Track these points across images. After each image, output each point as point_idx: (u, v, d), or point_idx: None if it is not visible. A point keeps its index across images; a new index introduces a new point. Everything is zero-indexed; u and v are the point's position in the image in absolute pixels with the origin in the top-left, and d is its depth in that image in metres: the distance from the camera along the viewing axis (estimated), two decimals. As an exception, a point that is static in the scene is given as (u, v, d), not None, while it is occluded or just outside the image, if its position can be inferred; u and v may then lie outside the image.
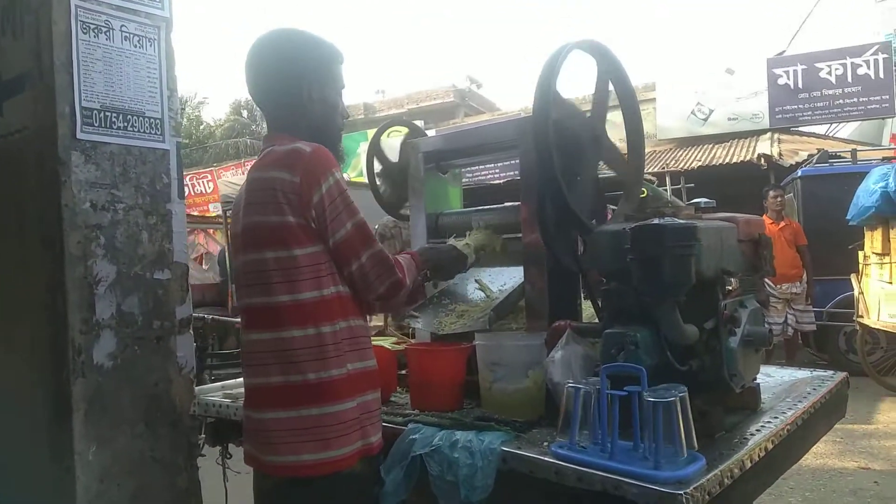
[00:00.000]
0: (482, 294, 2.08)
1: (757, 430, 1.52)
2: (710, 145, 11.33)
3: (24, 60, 1.79)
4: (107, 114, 1.76)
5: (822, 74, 10.84)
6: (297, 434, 1.40)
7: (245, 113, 23.61)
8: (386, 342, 2.01)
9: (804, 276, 6.68)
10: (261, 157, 1.50)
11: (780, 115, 11.16)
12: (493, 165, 11.30)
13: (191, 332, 1.91)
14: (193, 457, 1.94)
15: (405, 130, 2.45)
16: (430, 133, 2.72)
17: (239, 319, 1.59)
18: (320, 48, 1.54)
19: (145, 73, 1.85)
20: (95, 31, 1.75)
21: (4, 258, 2.00)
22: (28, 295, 1.85)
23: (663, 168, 9.95)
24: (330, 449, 1.40)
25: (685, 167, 9.97)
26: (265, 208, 1.40)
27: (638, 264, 1.36)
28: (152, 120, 1.85)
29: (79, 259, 1.71)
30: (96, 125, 1.74)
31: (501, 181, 10.37)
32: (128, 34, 1.82)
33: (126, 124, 1.79)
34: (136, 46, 1.83)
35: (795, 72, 11.06)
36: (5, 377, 2.04)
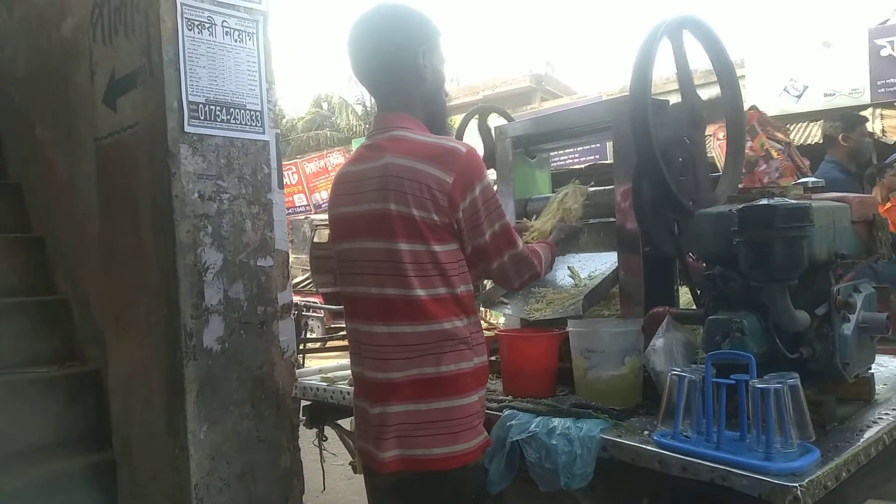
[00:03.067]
0: (571, 281, 2.05)
1: (874, 422, 1.44)
2: (805, 123, 10.72)
3: (135, 58, 1.89)
4: (211, 107, 1.84)
5: (932, 44, 10.06)
6: (428, 427, 1.37)
7: (325, 105, 24.09)
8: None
9: (912, 261, 6.23)
10: (394, 141, 1.42)
11: (882, 90, 10.41)
12: (572, 150, 11.10)
13: (292, 317, 1.98)
14: (295, 438, 2.02)
15: (486, 116, 2.42)
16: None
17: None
18: (426, 19, 1.50)
19: (245, 66, 1.92)
20: (199, 27, 1.83)
21: (121, 247, 2.12)
22: (143, 281, 1.97)
23: (754, 149, 9.49)
24: (459, 442, 1.38)
25: (778, 147, 9.48)
26: (407, 199, 1.34)
27: (746, 247, 1.30)
28: (253, 112, 1.92)
29: (189, 247, 1.80)
30: (202, 118, 1.82)
31: (583, 166, 10.18)
32: (228, 29, 1.89)
33: (229, 117, 1.87)
34: (236, 41, 1.90)
35: (901, 42, 10.30)
36: (124, 359, 2.18)
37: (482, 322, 2.28)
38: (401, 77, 1.46)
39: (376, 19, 1.47)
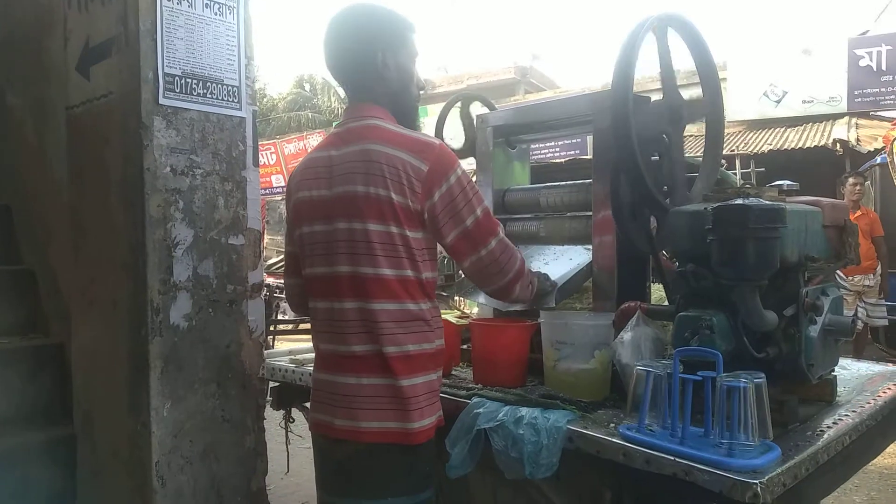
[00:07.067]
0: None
1: (833, 423, 1.47)
2: (783, 128, 10.87)
3: (111, 26, 1.84)
4: (187, 80, 1.80)
5: (910, 56, 10.22)
6: (385, 402, 1.41)
7: (307, 87, 23.86)
8: (450, 316, 2.01)
9: (878, 268, 6.38)
10: (370, 129, 1.47)
11: (859, 99, 10.58)
12: (553, 144, 11.13)
13: (262, 297, 1.96)
14: (261, 418, 2.00)
15: (469, 103, 2.40)
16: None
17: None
18: (391, 17, 1.55)
19: (224, 40, 1.88)
20: (178, -2, 1.79)
21: (90, 219, 2.08)
22: (111, 255, 1.93)
23: (733, 151, 9.62)
24: (424, 417, 1.44)
25: (755, 151, 9.62)
26: (386, 183, 1.39)
27: (719, 246, 1.31)
28: (230, 87, 1.88)
29: (159, 222, 1.77)
30: (177, 91, 1.78)
31: (563, 160, 10.22)
32: (208, 1, 1.85)
33: (205, 91, 1.83)
34: (216, 14, 1.86)
35: (879, 53, 10.44)
36: (89, 333, 2.14)
37: (456, 310, 2.29)
38: (363, 75, 1.53)
39: (343, 19, 1.54)
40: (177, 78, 1.78)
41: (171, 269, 1.80)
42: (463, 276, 2.10)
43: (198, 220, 1.85)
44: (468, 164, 2.33)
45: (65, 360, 2.51)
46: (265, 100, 23.32)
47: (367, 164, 1.41)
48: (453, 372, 1.91)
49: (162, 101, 1.77)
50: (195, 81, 1.82)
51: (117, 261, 1.90)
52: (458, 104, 2.40)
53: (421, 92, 1.62)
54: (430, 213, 1.42)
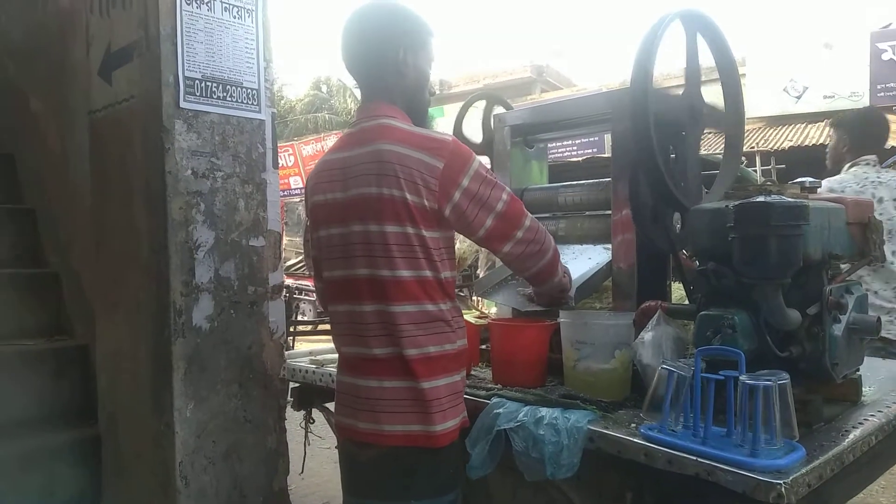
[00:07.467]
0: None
1: (859, 424, 1.44)
2: (803, 124, 10.76)
3: (131, 31, 1.86)
4: (207, 83, 1.82)
5: (934, 49, 10.07)
6: (408, 405, 1.41)
7: (324, 88, 23.98)
8: (469, 316, 2.01)
9: (903, 265, 6.27)
10: (383, 128, 1.45)
11: (882, 94, 10.44)
12: (570, 143, 11.10)
13: (282, 298, 1.97)
14: (282, 418, 2.01)
15: (493, 104, 2.41)
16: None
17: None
18: (414, 18, 1.55)
19: (243, 43, 1.89)
20: (198, 1, 1.81)
21: (112, 222, 2.10)
22: (133, 257, 1.95)
23: (752, 148, 9.53)
24: (447, 419, 1.43)
25: (776, 147, 9.52)
26: (400, 184, 1.37)
27: (741, 244, 1.30)
28: (249, 90, 1.90)
29: (181, 224, 1.78)
30: (198, 94, 1.80)
31: (580, 159, 10.18)
32: (227, 5, 1.86)
33: (225, 94, 1.85)
34: (235, 17, 1.88)
35: (902, 46, 10.30)
36: (112, 335, 2.16)
37: (474, 310, 2.29)
38: (382, 70, 1.51)
39: (366, 14, 1.52)
40: (197, 81, 1.80)
41: (192, 271, 1.82)
42: (481, 275, 2.10)
43: (219, 222, 1.87)
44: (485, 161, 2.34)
45: (89, 362, 2.54)
46: (283, 102, 23.46)
47: (380, 165, 1.39)
48: (472, 372, 1.91)
49: (182, 104, 1.79)
50: (215, 85, 1.84)
51: (140, 263, 1.93)
52: (482, 102, 2.40)
53: (431, 97, 1.62)
54: (455, 211, 1.40)
